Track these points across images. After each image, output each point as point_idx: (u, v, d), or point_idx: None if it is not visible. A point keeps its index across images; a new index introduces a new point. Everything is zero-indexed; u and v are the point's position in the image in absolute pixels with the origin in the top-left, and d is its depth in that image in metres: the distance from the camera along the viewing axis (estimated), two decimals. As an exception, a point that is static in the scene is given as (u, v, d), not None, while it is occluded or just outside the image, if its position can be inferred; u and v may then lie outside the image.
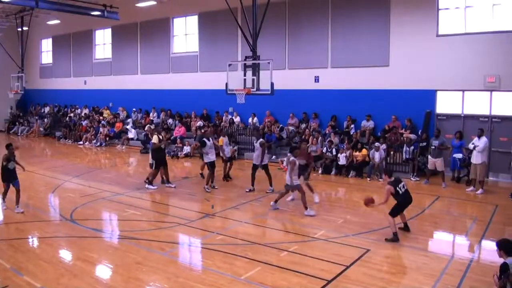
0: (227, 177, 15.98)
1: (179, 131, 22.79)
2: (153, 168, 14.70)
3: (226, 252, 8.99)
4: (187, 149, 21.38)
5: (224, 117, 22.75)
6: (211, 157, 14.38)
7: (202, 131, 17.81)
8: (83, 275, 8.06)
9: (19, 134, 31.59)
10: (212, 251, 9.13)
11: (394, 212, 9.88)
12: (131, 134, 24.97)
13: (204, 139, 14.47)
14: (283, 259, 8.59)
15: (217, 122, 22.66)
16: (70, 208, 12.30)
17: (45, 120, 32.04)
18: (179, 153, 21.39)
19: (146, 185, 14.63)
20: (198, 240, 9.92)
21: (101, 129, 26.14)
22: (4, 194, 11.93)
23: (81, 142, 26.64)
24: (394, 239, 9.56)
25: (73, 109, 31.49)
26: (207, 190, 14.18)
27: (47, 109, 33.49)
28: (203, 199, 13.45)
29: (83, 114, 30.03)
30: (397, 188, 9.82)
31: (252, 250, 9.13)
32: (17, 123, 33.24)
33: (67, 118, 30.43)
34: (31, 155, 22.58)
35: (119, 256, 8.92)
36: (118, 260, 8.72)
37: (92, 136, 26.37)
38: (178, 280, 7.79)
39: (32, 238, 10.18)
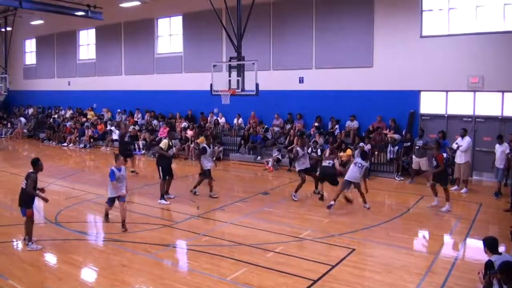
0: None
1: (164, 132, 22.62)
2: (161, 178, 13.33)
3: (212, 253, 8.95)
4: (172, 150, 21.18)
5: (209, 118, 22.70)
6: (207, 164, 13.86)
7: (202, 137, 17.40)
8: (68, 278, 7.96)
9: (2, 135, 31.11)
10: (198, 252, 9.09)
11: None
12: (115, 135, 24.75)
13: (205, 146, 13.98)
14: (269, 260, 8.59)
15: (202, 123, 22.59)
16: (55, 211, 12.13)
17: (28, 121, 31.61)
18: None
19: (159, 200, 13.16)
20: (184, 242, 9.87)
21: (85, 131, 25.88)
22: None
23: (65, 144, 26.34)
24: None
25: (57, 111, 31.14)
26: (196, 193, 13.97)
27: (31, 111, 33.05)
28: (188, 200, 13.39)
29: (67, 116, 29.70)
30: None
31: (238, 251, 9.11)
32: (0, 125, 32.73)
33: (51, 119, 30.08)
34: (14, 157, 22.25)
35: (104, 259, 8.84)
36: (103, 263, 8.63)
37: (76, 138, 26.09)
38: (164, 282, 7.73)
39: (16, 241, 10.00)
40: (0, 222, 11.27)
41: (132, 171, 16.78)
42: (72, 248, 9.42)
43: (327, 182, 13.76)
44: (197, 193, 13.98)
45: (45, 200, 9.66)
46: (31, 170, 9.65)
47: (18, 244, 9.83)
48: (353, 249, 9.10)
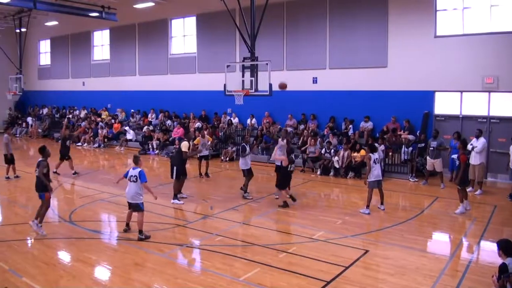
0: (205, 174, 16.41)
1: (177, 132, 22.77)
2: (174, 178, 13.30)
3: (225, 253, 8.98)
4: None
5: (222, 118, 22.75)
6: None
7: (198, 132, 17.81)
8: (82, 276, 8.04)
9: (17, 135, 31.51)
10: (211, 252, 9.12)
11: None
12: (130, 135, 24.95)
13: (244, 144, 14.44)
14: (282, 260, 8.59)
15: (215, 123, 22.67)
16: (69, 210, 12.28)
17: (39, 121, 31.98)
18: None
19: (172, 200, 13.19)
20: (197, 241, 9.90)
21: (99, 131, 26.11)
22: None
23: (79, 144, 26.59)
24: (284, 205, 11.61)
25: (72, 111, 31.45)
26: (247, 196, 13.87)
27: (45, 111, 33.46)
28: (201, 200, 13.45)
29: (81, 116, 29.98)
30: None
31: (251, 251, 9.13)
32: (15, 125, 33.14)
33: (66, 119, 30.38)
34: (29, 156, 22.55)
35: (118, 258, 8.91)
36: (117, 262, 8.70)
37: (91, 138, 26.33)
38: (177, 281, 7.78)
39: (30, 239, 10.15)
40: (15, 220, 11.43)
41: (55, 172, 17.04)
42: (86, 247, 9.51)
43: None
44: (248, 197, 13.73)
45: (50, 189, 10.51)
46: (41, 158, 10.53)
47: (33, 242, 9.97)
48: (367, 251, 9.07)
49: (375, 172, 12.06)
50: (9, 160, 16.62)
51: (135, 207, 10.01)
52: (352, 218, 11.60)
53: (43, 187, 10.41)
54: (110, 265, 8.56)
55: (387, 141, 17.13)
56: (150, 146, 23.11)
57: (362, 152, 16.68)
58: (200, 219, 11.48)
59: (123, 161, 21.55)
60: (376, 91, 18.54)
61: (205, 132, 18.52)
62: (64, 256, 9.22)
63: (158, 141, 23.00)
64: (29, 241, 10.06)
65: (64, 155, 17.27)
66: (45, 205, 10.50)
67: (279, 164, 12.86)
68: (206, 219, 11.56)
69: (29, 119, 32.18)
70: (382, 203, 12.35)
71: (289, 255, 8.87)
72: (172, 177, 13.36)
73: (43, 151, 10.74)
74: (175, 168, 13.26)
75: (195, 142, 15.05)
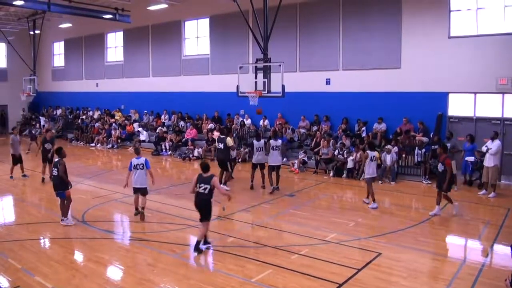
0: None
1: (190, 133, 22.88)
2: (230, 170, 15.14)
3: (237, 254, 9.01)
4: (198, 151, 21.44)
5: (235, 120, 22.80)
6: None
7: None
8: (94, 276, 8.13)
9: (27, 134, 31.75)
10: (223, 253, 9.16)
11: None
12: (143, 136, 25.11)
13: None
14: (294, 262, 8.59)
15: (228, 124, 22.70)
16: (82, 210, 12.40)
17: (53, 122, 32.30)
18: (191, 155, 21.46)
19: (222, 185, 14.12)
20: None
21: (113, 131, 26.32)
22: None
23: (93, 144, 26.84)
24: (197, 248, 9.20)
25: (85, 112, 31.73)
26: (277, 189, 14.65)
27: (59, 111, 33.79)
28: (214, 201, 13.41)
29: (95, 117, 30.24)
30: (198, 184, 9.18)
31: (263, 252, 9.14)
32: (28, 125, 33.45)
33: (79, 120, 30.69)
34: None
35: (130, 258, 8.97)
36: (129, 262, 8.77)
37: (104, 138, 26.55)
38: (189, 282, 7.83)
39: (43, 239, 10.29)
40: (29, 219, 11.57)
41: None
42: (99, 247, 9.60)
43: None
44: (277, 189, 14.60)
45: (70, 185, 11.21)
46: (58, 158, 11.09)
47: (46, 242, 10.11)
48: (379, 253, 9.02)
49: (370, 170, 12.69)
50: (17, 160, 16.89)
51: (144, 191, 11.55)
52: (365, 220, 11.56)
53: (62, 185, 11.02)
54: (122, 265, 8.63)
55: (400, 143, 17.04)
56: (163, 147, 23.24)
57: (376, 154, 16.58)
58: (213, 220, 11.43)
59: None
60: (389, 93, 18.44)
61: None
62: (77, 256, 9.32)
63: (171, 142, 23.12)
64: (41, 241, 10.20)
65: (45, 158, 16.33)
66: (68, 201, 11.15)
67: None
68: (218, 220, 11.60)
69: (42, 120, 32.53)
70: (367, 197, 12.98)
71: (301, 257, 8.86)
72: (229, 170, 14.88)
73: (59, 151, 11.35)
74: (227, 162, 14.76)
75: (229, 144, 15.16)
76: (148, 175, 11.53)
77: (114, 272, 8.48)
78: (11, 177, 16.78)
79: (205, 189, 9.00)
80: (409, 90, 17.89)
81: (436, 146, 15.80)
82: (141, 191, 11.55)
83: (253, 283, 7.70)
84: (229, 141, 14.79)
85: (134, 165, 11.46)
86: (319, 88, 20.34)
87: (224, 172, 14.94)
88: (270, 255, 8.94)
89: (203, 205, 9.14)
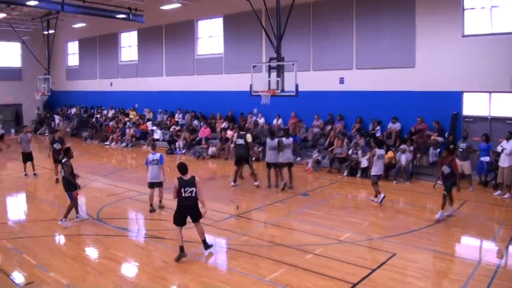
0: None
1: (204, 132, 22.95)
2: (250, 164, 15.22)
3: (251, 253, 9.04)
4: (212, 150, 21.51)
5: (248, 119, 22.82)
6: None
7: None
8: (109, 273, 8.23)
9: (46, 134, 32.15)
10: (237, 251, 9.20)
11: (175, 219, 8.98)
12: (157, 134, 25.23)
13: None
14: (308, 261, 8.59)
15: (241, 123, 22.72)
16: (97, 207, 12.53)
17: (68, 120, 32.61)
18: (204, 154, 21.54)
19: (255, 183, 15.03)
20: (223, 240, 10.00)
21: (127, 130, 26.51)
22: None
23: (107, 143, 27.06)
24: (180, 255, 8.73)
25: (100, 110, 32.00)
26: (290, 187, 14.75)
27: (73, 110, 34.12)
28: (228, 200, 13.53)
29: (109, 115, 30.48)
30: (183, 188, 8.75)
31: (277, 251, 9.15)
32: (44, 124, 33.84)
33: (94, 119, 30.96)
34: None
35: (145, 255, 9.05)
36: (144, 259, 8.85)
37: (118, 137, 26.75)
38: (203, 280, 7.88)
39: (58, 235, 10.42)
40: (43, 217, 11.74)
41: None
42: (113, 244, 9.69)
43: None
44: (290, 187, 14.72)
45: (78, 186, 11.22)
46: (65, 159, 11.15)
47: (60, 239, 10.25)
48: (394, 254, 8.96)
49: (376, 168, 12.85)
50: (27, 157, 17.09)
51: (159, 184, 12.23)
52: (379, 220, 11.53)
53: (70, 186, 11.08)
54: (137, 262, 8.71)
55: (415, 142, 16.91)
56: (177, 146, 23.36)
57: (390, 153, 16.52)
58: (226, 219, 11.55)
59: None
60: (404, 92, 18.29)
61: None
62: (92, 253, 9.42)
63: (185, 141, 23.22)
64: (56, 237, 10.34)
65: (55, 158, 15.83)
66: (72, 203, 11.13)
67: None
68: (232, 218, 11.64)
69: (57, 119, 32.86)
70: (375, 196, 13.06)
71: (315, 256, 8.86)
72: (236, 164, 15.33)
73: (67, 152, 11.46)
74: (245, 157, 15.02)
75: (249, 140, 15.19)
76: (161, 169, 12.18)
77: (129, 269, 8.56)
78: (25, 174, 17.01)
79: (191, 192, 8.72)
80: (423, 89, 17.76)
81: (451, 146, 15.72)
82: (156, 185, 12.26)
83: (267, 282, 7.72)
84: (249, 137, 15.07)
85: (150, 161, 12.15)
86: (333, 87, 20.28)
87: (239, 169, 15.21)
88: (284, 254, 8.95)
89: (195, 208, 8.90)
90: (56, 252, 9.45)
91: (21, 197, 14.68)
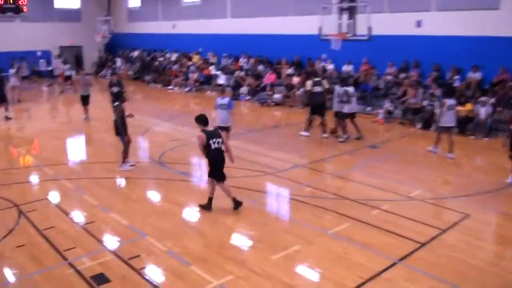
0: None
1: (269, 78, 22.82)
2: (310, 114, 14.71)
3: (314, 205, 9.08)
4: (277, 96, 21.42)
5: (316, 64, 22.37)
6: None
7: None
8: (170, 215, 8.63)
9: (107, 77, 33.17)
10: (300, 203, 9.26)
11: (215, 174, 8.75)
12: (221, 79, 25.39)
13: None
14: (374, 217, 8.51)
15: (308, 69, 22.36)
16: (159, 152, 12.96)
17: (130, 63, 33.34)
18: (269, 100, 21.50)
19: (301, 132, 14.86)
20: (286, 191, 10.08)
21: (190, 74, 26.86)
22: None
23: (170, 87, 27.60)
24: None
25: (163, 54, 32.46)
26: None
27: (135, 53, 34.72)
28: (292, 149, 13.54)
29: (172, 59, 30.90)
30: (210, 140, 8.50)
31: (342, 205, 9.13)
32: (105, 67, 34.80)
33: (157, 62, 31.51)
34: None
35: (206, 201, 9.31)
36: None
37: (182, 81, 27.19)
38: (264, 228, 8.04)
39: (120, 178, 10.94)
40: (105, 159, 12.30)
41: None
42: (175, 188, 10.07)
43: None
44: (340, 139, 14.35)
45: (125, 134, 11.23)
46: (117, 103, 11.38)
47: (122, 181, 10.77)
48: (467, 215, 8.63)
49: (446, 118, 12.42)
50: (85, 100, 17.64)
51: (227, 129, 12.04)
52: (454, 178, 11.17)
53: (120, 130, 11.25)
54: (198, 208, 8.98)
55: (496, 94, 15.93)
56: (241, 92, 23.45)
57: (468, 105, 15.71)
58: (290, 169, 11.59)
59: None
60: (486, 37, 17.00)
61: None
62: (153, 196, 9.84)
63: (249, 87, 23.24)
64: (118, 179, 10.86)
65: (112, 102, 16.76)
66: (125, 147, 11.34)
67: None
68: (296, 168, 11.68)
69: (118, 61, 33.66)
70: (450, 151, 12.54)
71: (382, 212, 8.76)
72: (312, 113, 14.55)
73: (119, 95, 11.78)
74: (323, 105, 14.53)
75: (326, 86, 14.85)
76: (230, 115, 12.28)
77: (190, 214, 8.89)
78: (86, 117, 17.71)
79: (219, 142, 8.56)
80: (508, 34, 16.45)
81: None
82: (223, 130, 12.15)
83: (330, 235, 7.76)
84: (326, 82, 14.74)
85: (218, 105, 12.32)
86: (409, 31, 19.28)
87: (312, 119, 14.72)
88: (349, 208, 8.92)
89: (224, 161, 8.76)
90: (117, 194, 9.98)
91: (82, 139, 15.51)
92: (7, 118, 17.95)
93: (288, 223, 8.44)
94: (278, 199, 9.77)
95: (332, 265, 6.81)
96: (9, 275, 6.68)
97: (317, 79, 15.00)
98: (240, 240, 7.74)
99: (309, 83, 14.69)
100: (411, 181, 10.64)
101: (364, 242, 7.47)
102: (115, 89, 15.72)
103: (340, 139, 14.16)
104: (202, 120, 8.67)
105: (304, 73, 21.29)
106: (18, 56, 28.82)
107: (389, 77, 19.64)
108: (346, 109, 14.23)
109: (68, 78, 25.69)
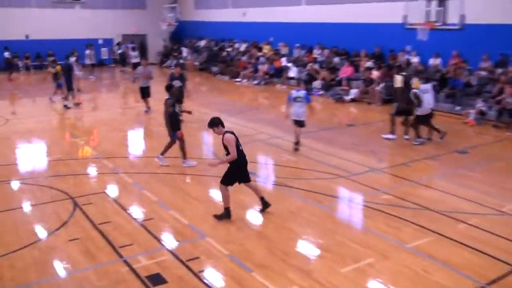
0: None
1: (345, 71, 22.55)
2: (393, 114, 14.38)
3: (391, 214, 8.86)
4: (354, 92, 21.13)
5: (399, 57, 21.84)
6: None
7: None
8: (234, 217, 8.70)
9: (172, 67, 34.04)
10: (375, 211, 9.08)
11: (239, 177, 8.73)
12: (292, 72, 25.41)
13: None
14: (459, 232, 8.17)
15: (390, 62, 21.87)
16: (222, 148, 13.08)
17: (196, 53, 33.97)
18: (345, 96, 21.26)
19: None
20: (360, 197, 9.92)
21: (260, 66, 27.05)
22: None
23: (238, 79, 27.93)
24: (225, 215, 8.60)
25: (231, 44, 32.86)
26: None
27: (202, 43, 35.38)
28: (368, 151, 13.30)
29: (241, 49, 31.23)
30: (239, 141, 8.59)
31: (423, 216, 8.84)
32: (170, 57, 35.66)
33: (225, 53, 31.95)
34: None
35: (272, 203, 9.33)
36: (271, 207, 9.12)
37: (251, 73, 27.44)
38: (335, 237, 7.95)
39: (182, 174, 11.21)
40: (166, 154, 12.54)
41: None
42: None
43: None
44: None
45: (178, 129, 11.39)
46: (167, 97, 11.54)
47: (184, 177, 11.09)
48: None
49: None
50: (144, 92, 18.09)
51: (302, 123, 12.82)
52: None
53: (171, 125, 11.41)
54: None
55: None
56: (313, 86, 23.33)
57: None
58: (365, 172, 11.41)
59: (285, 101, 22.10)
60: None
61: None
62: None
63: (323, 81, 23.08)
64: (180, 176, 11.11)
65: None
66: (181, 142, 11.54)
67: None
68: (372, 172, 11.47)
69: (184, 51, 34.42)
70: None
71: (469, 227, 8.40)
72: (396, 113, 14.24)
73: (169, 89, 11.83)
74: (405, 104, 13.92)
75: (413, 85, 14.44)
76: (307, 108, 12.85)
77: (253, 216, 8.96)
78: (146, 110, 18.24)
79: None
80: None
81: None
82: (299, 123, 12.91)
83: (408, 249, 7.54)
84: (397, 80, 14.24)
85: (294, 97, 12.83)
86: (508, 19, 18.37)
87: (394, 119, 14.32)
88: (430, 220, 8.62)
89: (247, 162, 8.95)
90: (178, 191, 10.24)
91: (143, 132, 15.99)
92: (66, 107, 19.10)
93: (361, 233, 8.29)
94: (350, 205, 9.63)
95: (408, 284, 6.63)
96: (60, 268, 7.03)
97: (402, 74, 14.56)
98: (307, 248, 7.69)
99: (399, 79, 14.23)
100: (504, 194, 10.16)
101: (446, 260, 7.20)
102: (177, 83, 15.68)
103: (414, 142, 13.77)
104: (220, 122, 8.70)
105: (385, 67, 20.84)
106: (79, 44, 30.16)
107: (483, 73, 18.83)
108: (419, 111, 13.73)
109: (136, 65, 26.52)
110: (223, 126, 8.67)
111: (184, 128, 11.99)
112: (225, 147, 8.52)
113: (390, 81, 15.42)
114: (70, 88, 19.26)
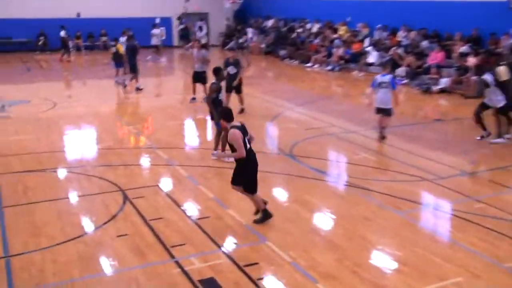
0: None
1: (435, 57, 22.01)
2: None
3: (485, 226, 8.54)
4: (444, 81, 20.59)
5: (502, 41, 21.06)
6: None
7: None
8: (298, 220, 8.71)
9: (234, 49, 34.26)
10: (465, 221, 8.80)
11: (251, 186, 8.41)
12: (372, 57, 25.06)
13: None
14: None
15: (491, 48, 21.15)
16: (291, 142, 13.13)
17: (265, 35, 34.05)
18: (433, 86, 20.75)
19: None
20: (447, 204, 9.64)
21: (334, 50, 26.82)
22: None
23: (309, 64, 27.84)
24: (264, 217, 8.42)
25: (302, 24, 32.75)
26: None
27: (270, 23, 35.43)
28: (460, 151, 12.92)
29: (313, 30, 31.07)
30: (245, 138, 8.14)
31: (526, 231, 8.50)
32: (233, 38, 35.92)
33: (295, 34, 31.88)
34: (247, 75, 24.55)
35: (344, 207, 9.27)
36: (342, 211, 9.08)
37: (324, 58, 27.26)
38: (415, 249, 7.74)
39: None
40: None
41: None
42: (307, 188, 10.12)
43: None
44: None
45: (218, 118, 10.82)
46: (213, 81, 11.67)
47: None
48: None
49: None
50: (197, 77, 18.00)
51: (388, 112, 12.98)
52: None
53: (216, 114, 10.92)
54: (333, 214, 8.98)
55: None
56: (397, 73, 22.89)
57: None
58: (455, 176, 11.09)
59: (363, 90, 21.77)
60: None
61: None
62: (280, 194, 10.00)
63: (408, 68, 22.64)
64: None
65: (228, 86, 15.91)
66: (222, 133, 11.22)
67: None
68: (463, 176, 11.15)
69: (250, 32, 34.56)
70: None
71: None
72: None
73: (217, 73, 11.88)
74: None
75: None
76: (393, 95, 12.95)
77: (323, 221, 8.89)
78: (192, 98, 18.19)
79: (250, 141, 8.37)
80: None
81: None
82: (384, 112, 13.06)
83: (505, 269, 7.24)
84: (501, 71, 13.33)
85: (379, 83, 12.94)
86: None
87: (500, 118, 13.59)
88: (537, 236, 8.27)
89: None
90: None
91: (200, 122, 16.15)
92: (138, 89, 20.03)
93: (447, 247, 8.04)
94: (435, 213, 9.37)
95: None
96: (106, 265, 7.23)
97: (505, 62, 13.94)
98: (382, 260, 7.54)
99: (503, 71, 13.42)
100: None
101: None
102: (233, 70, 15.79)
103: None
104: (226, 114, 8.50)
105: (484, 53, 20.16)
106: (137, 23, 30.73)
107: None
108: (486, 100, 13.35)
109: (204, 46, 26.49)
110: (229, 120, 8.40)
111: (242, 117, 11.94)
112: (230, 145, 8.29)
113: (489, 70, 14.71)
114: (134, 71, 20.02)
